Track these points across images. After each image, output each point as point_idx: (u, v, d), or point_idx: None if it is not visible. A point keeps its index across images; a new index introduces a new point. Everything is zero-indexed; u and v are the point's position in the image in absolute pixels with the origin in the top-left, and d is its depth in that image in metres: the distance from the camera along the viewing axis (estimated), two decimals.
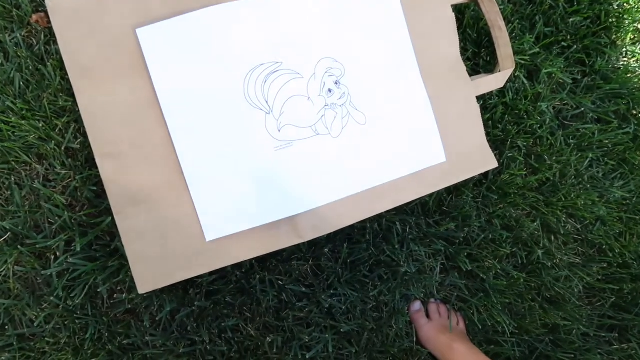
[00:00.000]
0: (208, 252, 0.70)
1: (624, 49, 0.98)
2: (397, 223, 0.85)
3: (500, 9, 0.80)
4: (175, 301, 0.78)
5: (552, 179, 0.91)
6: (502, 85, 0.82)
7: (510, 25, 0.89)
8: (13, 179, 0.75)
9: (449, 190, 0.88)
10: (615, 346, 0.97)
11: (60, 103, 0.75)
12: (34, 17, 0.77)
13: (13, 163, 0.76)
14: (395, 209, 0.78)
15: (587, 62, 0.94)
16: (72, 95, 0.74)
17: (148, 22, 0.68)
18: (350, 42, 0.74)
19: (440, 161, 0.78)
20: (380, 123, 0.75)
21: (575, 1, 0.93)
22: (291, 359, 0.82)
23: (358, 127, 0.74)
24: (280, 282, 0.82)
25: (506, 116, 0.88)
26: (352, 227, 0.83)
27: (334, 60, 0.73)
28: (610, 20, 0.94)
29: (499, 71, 0.83)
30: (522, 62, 0.90)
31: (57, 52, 0.75)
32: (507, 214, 0.90)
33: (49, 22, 0.76)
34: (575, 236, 0.95)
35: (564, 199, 0.91)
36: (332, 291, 0.84)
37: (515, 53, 0.88)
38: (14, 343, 0.76)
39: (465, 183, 0.87)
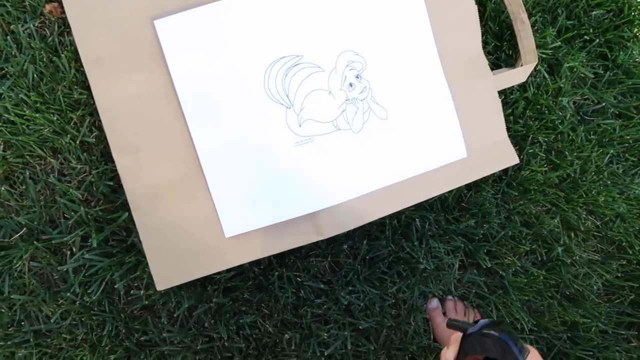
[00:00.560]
0: (227, 249, 0.69)
1: None
2: (417, 219, 0.83)
3: (522, 1, 0.78)
4: (193, 297, 0.77)
5: (572, 175, 0.90)
6: (524, 80, 0.80)
7: (532, 18, 0.87)
8: (28, 173, 0.74)
9: (468, 186, 0.86)
10: (633, 343, 0.96)
11: (75, 96, 0.74)
12: (47, 7, 0.75)
13: (27, 157, 0.74)
14: (414, 205, 0.77)
15: (609, 56, 0.92)
16: (87, 88, 0.73)
17: (165, 14, 0.66)
18: (371, 35, 0.72)
19: (461, 157, 0.76)
20: (402, 118, 0.74)
21: None
22: (309, 356, 0.81)
23: (379, 122, 0.73)
24: (298, 278, 0.81)
25: (527, 111, 0.87)
26: (371, 223, 0.82)
27: (355, 54, 0.72)
28: (633, 13, 0.92)
29: (521, 65, 0.81)
30: (544, 56, 0.88)
31: (72, 43, 0.74)
32: (527, 211, 0.89)
33: (62, 12, 0.74)
34: (595, 233, 0.94)
35: (584, 196, 0.90)
36: (350, 288, 0.83)
37: (537, 47, 0.86)
38: (31, 339, 0.75)
39: (485, 179, 0.86)
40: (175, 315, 0.78)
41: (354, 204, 0.72)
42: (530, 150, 0.87)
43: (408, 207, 0.75)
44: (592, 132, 0.92)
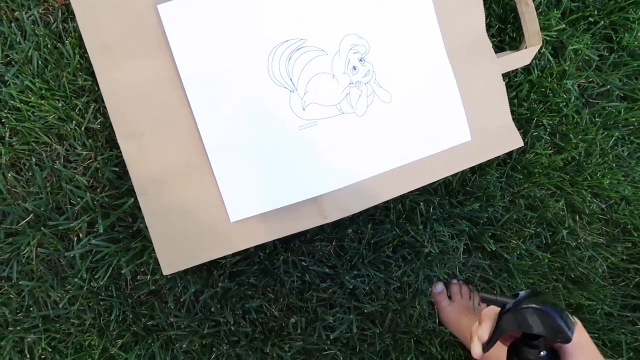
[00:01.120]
0: (233, 234, 0.69)
1: None
2: (421, 203, 0.83)
3: None
4: (199, 282, 0.78)
5: (577, 158, 0.90)
6: (528, 63, 0.80)
7: (537, 0, 0.87)
8: (34, 160, 0.74)
9: (473, 170, 0.86)
10: (639, 326, 0.96)
11: (80, 82, 0.74)
12: None
13: (33, 144, 0.75)
14: (419, 189, 0.77)
15: (615, 39, 0.92)
16: (92, 75, 0.73)
17: None
18: (375, 19, 0.72)
19: (465, 140, 0.76)
20: (406, 102, 0.74)
21: None
22: (315, 340, 0.82)
23: (383, 106, 0.73)
24: (304, 263, 0.81)
25: (532, 94, 0.86)
26: (375, 207, 0.82)
27: (359, 37, 0.72)
28: None
29: (525, 48, 0.81)
30: (548, 38, 0.87)
31: (76, 29, 0.74)
32: (532, 194, 0.89)
33: None
34: (600, 216, 0.94)
35: (589, 179, 0.90)
36: (355, 272, 0.83)
37: (542, 29, 0.85)
38: (40, 325, 0.76)
39: (489, 162, 0.86)
40: (182, 300, 0.78)
41: (359, 188, 0.72)
42: (535, 134, 0.87)
43: (412, 191, 0.76)
44: (597, 115, 0.91)
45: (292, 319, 0.81)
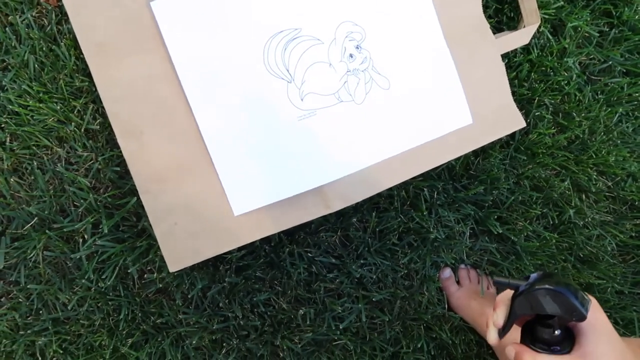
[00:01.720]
0: (237, 227, 0.69)
1: None
2: (425, 189, 0.83)
3: None
4: (206, 278, 0.78)
5: (581, 136, 0.89)
6: (527, 42, 0.79)
7: None
8: (35, 163, 0.74)
9: (475, 153, 0.85)
10: None
11: (77, 84, 0.74)
12: None
13: (34, 148, 0.75)
14: (422, 174, 0.76)
15: (614, 13, 0.90)
16: (88, 75, 0.73)
17: None
18: (369, 4, 0.71)
19: (467, 123, 0.76)
20: (404, 87, 0.73)
21: None
22: (325, 330, 0.82)
23: (382, 92, 0.72)
24: (309, 254, 0.81)
25: (532, 74, 0.85)
26: (379, 195, 0.82)
27: (354, 24, 0.71)
28: None
29: (524, 27, 0.80)
30: (547, 16, 0.86)
31: (70, 31, 0.73)
32: (536, 175, 0.88)
33: (59, 0, 0.74)
34: (606, 193, 0.93)
35: (594, 156, 0.89)
36: (362, 261, 0.83)
37: (539, 7, 0.84)
38: (49, 327, 0.76)
39: (492, 145, 0.85)
40: (189, 297, 0.79)
41: (361, 176, 0.72)
42: (536, 113, 0.86)
43: (415, 177, 0.75)
44: (599, 92, 0.90)
45: (301, 311, 0.81)
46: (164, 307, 0.79)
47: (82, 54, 0.65)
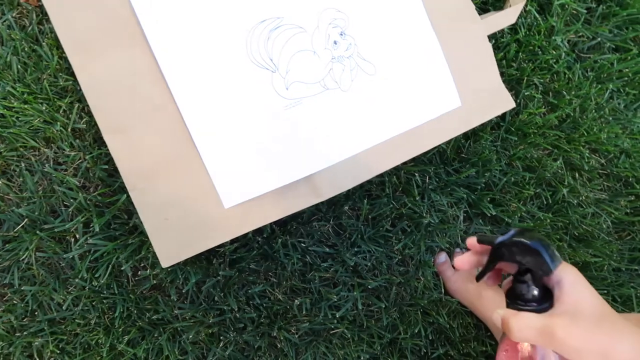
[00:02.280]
0: (228, 220, 0.69)
1: None
2: (416, 174, 0.82)
3: None
4: (199, 272, 0.78)
5: (572, 114, 0.88)
6: (513, 21, 0.78)
7: None
8: (23, 165, 0.74)
9: (466, 135, 0.85)
10: None
11: (61, 83, 0.73)
12: None
13: (21, 149, 0.74)
14: (412, 159, 0.76)
15: None
16: (72, 74, 0.72)
17: None
18: None
19: (455, 106, 0.75)
20: (391, 72, 0.73)
21: None
22: (321, 320, 0.81)
23: (368, 78, 0.72)
24: (302, 244, 0.81)
25: (520, 54, 0.85)
26: (370, 182, 0.82)
27: (337, 11, 0.71)
28: None
29: (510, 6, 0.79)
30: None
31: (51, 30, 0.73)
32: (528, 155, 0.88)
33: (39, 0, 0.74)
34: (600, 171, 0.92)
35: (586, 134, 0.88)
36: (356, 249, 0.82)
37: None
38: (45, 328, 0.76)
39: (482, 127, 0.84)
40: (184, 292, 0.78)
41: (351, 163, 0.71)
42: (526, 94, 0.85)
43: (406, 162, 0.75)
44: (589, 69, 0.90)
45: (296, 301, 0.81)
46: (159, 303, 0.78)
47: (65, 52, 0.65)
